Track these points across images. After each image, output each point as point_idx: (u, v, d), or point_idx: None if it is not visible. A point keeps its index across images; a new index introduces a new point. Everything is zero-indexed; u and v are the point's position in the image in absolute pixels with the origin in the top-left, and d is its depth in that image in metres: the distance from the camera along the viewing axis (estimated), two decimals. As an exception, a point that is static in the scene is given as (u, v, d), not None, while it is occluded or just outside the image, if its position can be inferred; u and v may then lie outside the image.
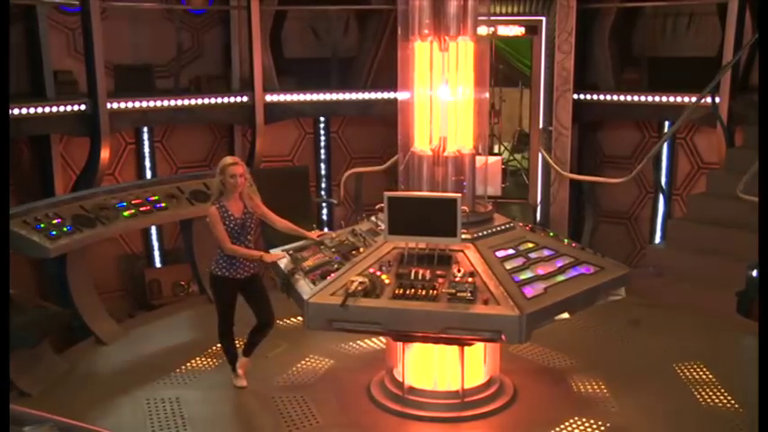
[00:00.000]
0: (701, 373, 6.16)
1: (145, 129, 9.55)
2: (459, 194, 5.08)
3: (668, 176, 9.75)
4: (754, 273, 7.29)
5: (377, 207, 5.29)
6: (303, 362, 6.41)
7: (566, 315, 5.03)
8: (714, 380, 6.03)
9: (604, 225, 10.27)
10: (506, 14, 9.70)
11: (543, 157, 9.38)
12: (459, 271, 4.96)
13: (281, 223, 5.88)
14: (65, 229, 6.53)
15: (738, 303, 7.19)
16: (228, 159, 5.70)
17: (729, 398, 5.72)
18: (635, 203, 10.15)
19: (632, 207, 10.17)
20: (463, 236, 5.08)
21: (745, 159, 7.37)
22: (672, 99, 9.12)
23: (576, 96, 9.45)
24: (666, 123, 9.62)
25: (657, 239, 9.77)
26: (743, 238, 7.46)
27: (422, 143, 5.50)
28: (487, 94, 5.56)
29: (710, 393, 5.82)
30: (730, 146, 8.53)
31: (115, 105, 8.54)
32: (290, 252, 5.70)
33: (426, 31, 5.29)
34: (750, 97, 8.72)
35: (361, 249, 5.38)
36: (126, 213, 7.11)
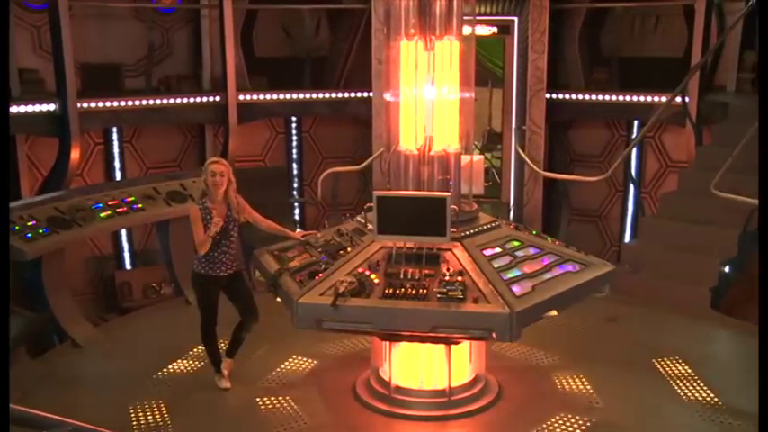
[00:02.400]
0: (679, 367, 6.26)
1: (114, 129, 9.40)
2: (449, 193, 5.10)
3: (637, 175, 9.93)
4: (727, 269, 7.49)
5: (365, 207, 5.28)
6: (287, 363, 6.37)
7: (554, 312, 5.08)
8: (692, 374, 6.14)
9: (575, 223, 10.42)
10: (478, 14, 9.74)
11: (520, 156, 9.46)
12: (448, 270, 4.98)
13: (265, 223, 5.86)
14: (40, 231, 6.41)
15: (712, 299, 7.38)
16: (212, 159, 5.73)
17: (708, 391, 5.83)
18: (605, 202, 10.31)
19: (602, 205, 10.33)
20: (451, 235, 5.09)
21: (715, 157, 7.52)
22: (641, 99, 9.29)
23: (547, 96, 9.56)
24: (636, 123, 9.80)
25: (627, 237, 9.94)
26: (715, 235, 7.63)
27: (407, 142, 5.49)
28: (473, 94, 5.57)
29: (690, 387, 5.92)
30: (699, 144, 8.71)
31: (85, 105, 8.40)
32: (276, 252, 5.66)
33: (413, 31, 5.29)
34: (715, 97, 8.94)
35: (349, 249, 5.35)
36: (102, 215, 6.99)
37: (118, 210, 7.14)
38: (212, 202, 5.59)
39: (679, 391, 5.88)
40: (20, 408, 2.44)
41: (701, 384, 5.95)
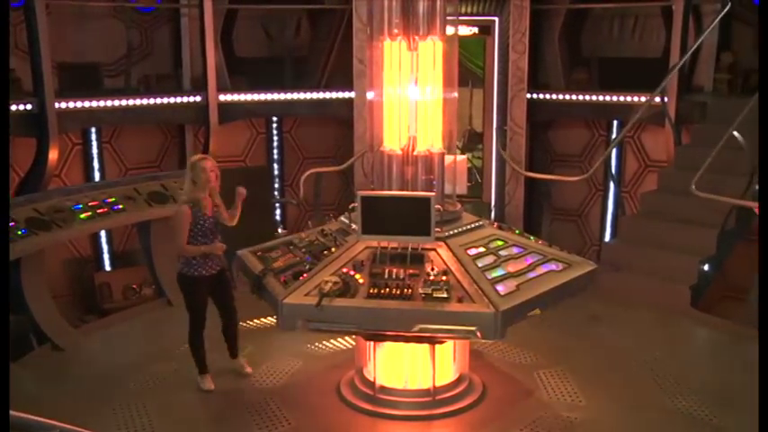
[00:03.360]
0: (661, 365, 6.31)
1: (93, 129, 9.31)
2: (433, 193, 5.10)
3: (617, 174, 10.00)
4: (706, 267, 7.57)
5: (350, 207, 5.27)
6: (271, 363, 6.33)
7: (537, 311, 5.09)
8: (673, 371, 6.19)
9: (555, 222, 10.48)
10: (459, 15, 9.76)
11: (501, 156, 9.49)
12: (432, 269, 4.98)
13: (227, 214, 5.82)
14: (19, 232, 6.33)
15: (692, 297, 7.45)
16: (197, 156, 5.73)
17: (689, 389, 5.88)
18: (584, 201, 10.38)
19: (582, 205, 10.40)
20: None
21: (694, 157, 7.59)
22: (620, 99, 9.35)
23: (528, 96, 9.60)
24: (615, 122, 9.87)
25: (608, 236, 10.00)
26: (695, 234, 7.70)
27: (391, 142, 5.49)
28: (456, 94, 5.58)
29: (671, 385, 5.96)
30: (678, 144, 8.78)
31: (63, 105, 8.30)
32: (259, 253, 5.63)
33: (396, 31, 5.29)
34: (694, 98, 9.02)
35: (333, 249, 5.34)
36: (82, 216, 6.92)
37: (98, 211, 7.07)
38: (201, 199, 5.57)
39: (660, 388, 5.93)
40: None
41: (682, 382, 6.00)
